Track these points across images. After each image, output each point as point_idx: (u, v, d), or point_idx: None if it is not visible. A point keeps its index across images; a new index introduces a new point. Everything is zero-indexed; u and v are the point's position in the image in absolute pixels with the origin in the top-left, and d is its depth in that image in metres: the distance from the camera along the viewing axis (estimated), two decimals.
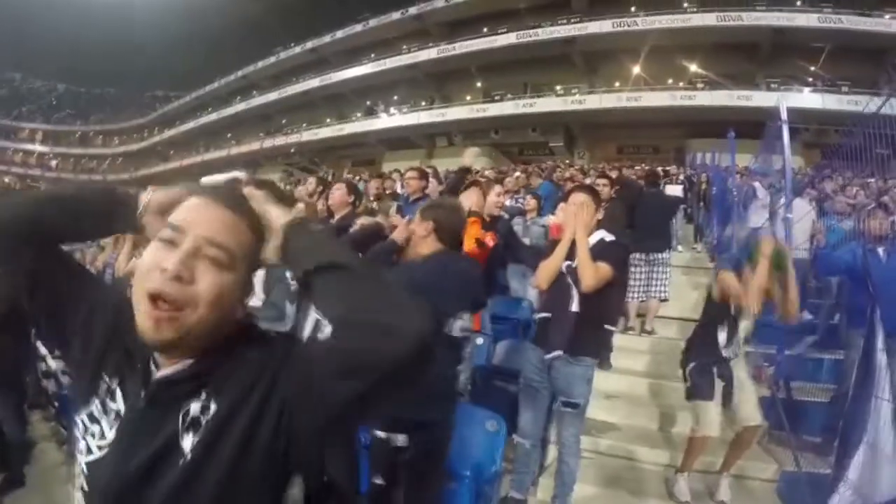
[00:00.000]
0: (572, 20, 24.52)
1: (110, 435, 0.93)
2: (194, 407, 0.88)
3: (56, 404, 4.76)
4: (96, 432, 0.94)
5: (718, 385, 3.59)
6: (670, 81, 22.92)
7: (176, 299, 0.85)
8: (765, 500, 3.69)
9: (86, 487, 0.93)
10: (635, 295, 6.11)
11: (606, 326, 3.68)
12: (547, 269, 3.31)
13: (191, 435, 0.87)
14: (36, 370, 4.70)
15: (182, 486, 0.84)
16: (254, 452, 0.84)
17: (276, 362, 0.87)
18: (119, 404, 0.94)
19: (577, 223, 3.24)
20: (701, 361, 3.69)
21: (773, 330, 4.54)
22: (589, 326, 3.20)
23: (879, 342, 3.33)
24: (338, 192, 4.32)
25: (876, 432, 3.12)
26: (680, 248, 9.37)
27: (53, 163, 53.28)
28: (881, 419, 3.12)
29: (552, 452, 3.70)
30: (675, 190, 10.69)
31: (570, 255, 3.27)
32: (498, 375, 3.99)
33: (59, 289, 1.02)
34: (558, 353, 3.17)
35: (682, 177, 13.05)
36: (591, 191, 3.54)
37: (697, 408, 3.64)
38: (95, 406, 0.95)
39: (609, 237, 3.36)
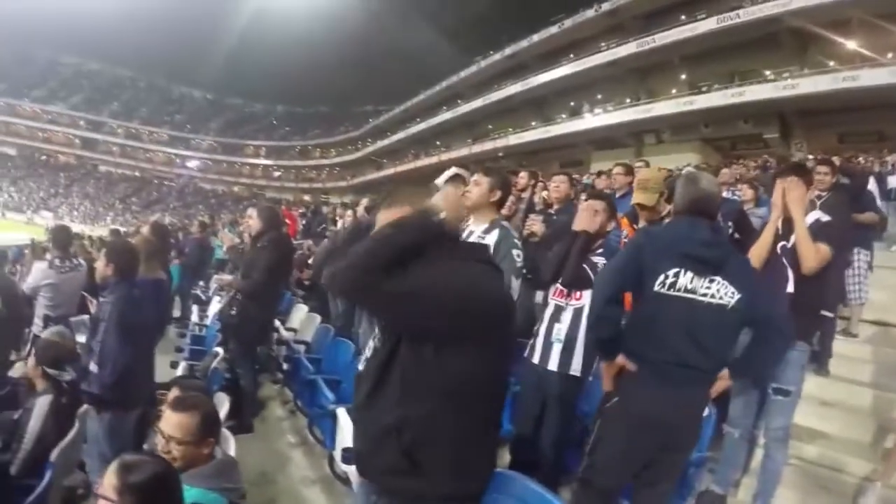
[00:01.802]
0: None
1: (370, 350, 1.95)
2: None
3: (285, 367, 5.54)
4: (370, 349, 1.95)
5: None
6: (890, 56, 21.13)
7: None
8: None
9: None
10: (856, 296, 5.59)
11: (823, 312, 3.62)
12: (756, 253, 3.15)
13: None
14: (270, 339, 5.62)
15: (378, 366, 1.78)
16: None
17: None
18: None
19: (790, 201, 3.13)
20: None
21: None
22: (804, 310, 3.10)
23: None
24: (563, 186, 4.77)
25: None
26: None
27: (276, 174, 62.67)
28: None
29: (758, 455, 3.59)
30: None
31: (785, 235, 3.18)
32: None
33: None
34: None
35: None
36: (800, 170, 3.41)
37: None
38: (372, 339, 1.94)
39: (825, 217, 3.32)
